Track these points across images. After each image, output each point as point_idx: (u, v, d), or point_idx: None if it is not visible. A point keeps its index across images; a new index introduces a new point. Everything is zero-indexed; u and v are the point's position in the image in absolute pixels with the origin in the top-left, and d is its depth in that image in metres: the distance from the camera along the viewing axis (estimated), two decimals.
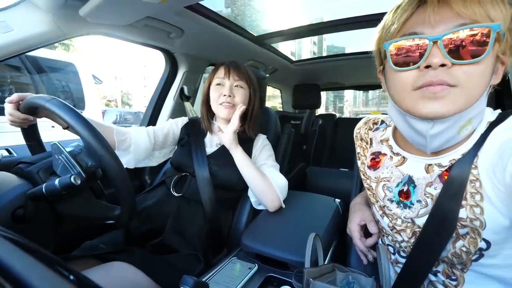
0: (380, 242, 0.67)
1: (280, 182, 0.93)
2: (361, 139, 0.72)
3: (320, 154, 2.46)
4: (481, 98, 0.44)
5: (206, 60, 1.53)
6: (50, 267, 0.21)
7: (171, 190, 0.94)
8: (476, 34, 0.39)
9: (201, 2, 0.99)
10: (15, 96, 0.71)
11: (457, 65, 0.41)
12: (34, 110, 0.70)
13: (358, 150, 0.72)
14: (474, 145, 0.47)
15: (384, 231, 0.63)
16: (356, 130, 0.74)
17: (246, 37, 1.49)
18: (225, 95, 0.95)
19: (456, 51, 0.40)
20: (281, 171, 1.20)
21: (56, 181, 0.53)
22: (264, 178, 0.91)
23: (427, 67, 0.42)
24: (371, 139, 0.69)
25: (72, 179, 0.53)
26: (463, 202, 0.47)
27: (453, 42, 0.40)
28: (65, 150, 0.58)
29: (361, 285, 0.53)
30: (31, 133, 0.73)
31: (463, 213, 0.47)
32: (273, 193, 0.91)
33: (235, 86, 0.98)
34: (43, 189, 0.53)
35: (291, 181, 1.79)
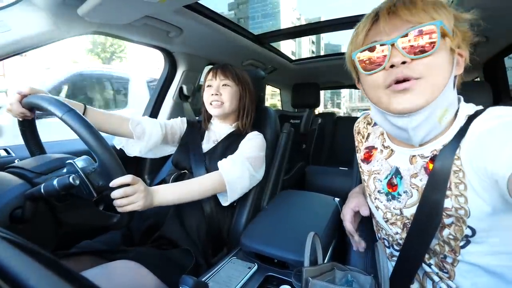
0: (390, 235, 0.68)
1: (231, 176, 0.88)
2: (358, 133, 0.75)
3: (320, 153, 2.46)
4: (447, 87, 0.49)
5: (205, 59, 1.53)
6: (49, 267, 0.21)
7: None
8: (424, 32, 0.46)
9: (200, 2, 1.00)
10: (27, 89, 0.68)
11: (415, 60, 0.47)
12: (37, 109, 0.69)
13: (356, 143, 0.75)
14: (454, 136, 0.51)
15: (379, 224, 0.66)
16: (355, 124, 0.77)
17: (245, 36, 1.49)
18: (212, 94, 1.01)
19: (412, 49, 0.47)
20: (281, 170, 1.21)
21: (55, 181, 0.52)
22: (200, 186, 0.85)
23: (392, 66, 0.48)
24: (368, 134, 0.72)
25: (70, 179, 0.53)
26: (448, 192, 0.50)
27: (407, 42, 0.47)
28: (80, 170, 0.58)
29: (360, 283, 0.54)
30: (27, 121, 0.71)
31: (448, 203, 0.50)
32: (215, 189, 0.87)
33: (222, 85, 1.03)
34: (42, 190, 0.53)
35: (290, 180, 1.80)
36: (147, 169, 1.39)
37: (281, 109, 3.01)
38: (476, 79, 1.95)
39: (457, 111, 0.53)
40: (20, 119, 0.70)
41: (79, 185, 0.57)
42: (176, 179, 0.98)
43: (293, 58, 2.29)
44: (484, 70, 1.69)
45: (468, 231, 0.49)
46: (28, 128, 0.71)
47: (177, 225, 0.87)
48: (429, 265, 0.56)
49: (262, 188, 1.09)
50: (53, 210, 0.59)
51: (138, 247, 0.81)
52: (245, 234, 0.85)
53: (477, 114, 0.50)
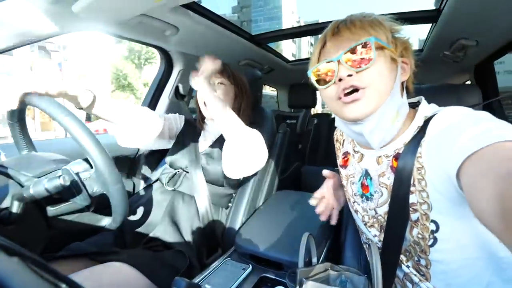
0: (371, 237, 0.68)
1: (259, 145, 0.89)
2: (336, 140, 0.79)
3: (315, 154, 2.46)
4: (392, 92, 0.54)
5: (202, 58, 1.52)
6: (35, 270, 0.21)
7: (165, 185, 0.95)
8: (361, 48, 0.52)
9: (202, 3, 0.99)
10: (44, 89, 0.65)
11: (359, 72, 0.52)
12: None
13: (336, 150, 0.79)
14: (414, 135, 0.55)
15: (360, 229, 0.69)
16: (334, 132, 0.81)
17: (242, 36, 1.48)
18: None
19: (354, 63, 0.52)
20: (277, 170, 1.21)
21: (44, 182, 0.51)
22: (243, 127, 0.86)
23: (340, 80, 0.54)
24: (343, 140, 0.76)
25: (61, 179, 0.52)
26: (412, 188, 0.54)
27: (350, 58, 0.53)
28: (75, 176, 0.57)
29: (354, 283, 0.53)
30: (18, 114, 0.69)
31: (413, 198, 0.54)
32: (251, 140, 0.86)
33: (217, 83, 1.01)
34: (31, 190, 0.52)
35: (286, 180, 1.80)
36: (141, 169, 1.38)
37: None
38: (467, 82, 1.98)
39: (416, 111, 0.58)
40: (10, 111, 0.67)
41: (73, 191, 0.56)
42: (170, 178, 0.98)
43: (293, 59, 2.29)
44: (474, 73, 1.72)
45: (432, 226, 0.52)
46: (18, 121, 0.69)
47: (170, 226, 0.86)
48: (408, 267, 0.59)
49: (258, 188, 1.08)
50: (43, 212, 0.58)
51: (130, 249, 0.80)
52: (240, 235, 0.85)
53: (435, 114, 0.54)
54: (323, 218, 0.75)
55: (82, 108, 0.79)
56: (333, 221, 0.75)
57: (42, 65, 15.56)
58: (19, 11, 0.78)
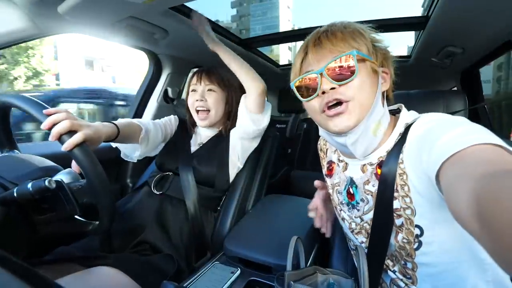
0: (358, 244, 0.69)
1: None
2: (321, 150, 0.80)
3: (305, 158, 2.49)
4: (375, 103, 0.55)
5: (191, 62, 1.52)
6: (18, 275, 0.20)
7: (152, 188, 0.94)
8: (344, 61, 0.53)
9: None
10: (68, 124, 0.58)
11: (342, 85, 0.53)
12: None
13: (321, 160, 0.80)
14: (396, 143, 0.57)
15: (347, 236, 0.70)
16: (318, 142, 0.82)
17: (231, 40, 1.49)
18: (197, 100, 1.00)
19: (337, 76, 0.53)
20: (266, 174, 1.21)
21: (29, 185, 0.50)
22: (249, 67, 0.97)
23: (323, 92, 0.54)
24: (327, 150, 0.76)
25: (46, 182, 0.50)
26: (395, 194, 0.55)
27: (332, 70, 0.53)
28: (66, 187, 0.56)
29: (341, 286, 0.54)
30: (2, 113, 0.67)
31: (397, 204, 0.55)
32: (258, 79, 0.99)
33: (208, 90, 1.02)
34: (15, 193, 0.50)
35: (275, 184, 1.81)
36: (129, 172, 1.36)
37: None
38: (454, 88, 2.06)
39: (398, 119, 0.59)
40: None
41: (63, 201, 0.55)
42: (158, 181, 0.97)
43: (284, 64, 2.31)
44: (460, 79, 1.78)
45: (417, 231, 0.53)
46: (1, 123, 0.67)
47: (158, 229, 0.85)
48: (394, 272, 0.60)
49: (247, 192, 1.09)
50: (28, 216, 0.56)
51: (117, 253, 0.79)
52: (229, 238, 0.85)
53: (415, 120, 0.55)
54: (324, 230, 0.74)
55: (107, 141, 0.81)
56: (328, 234, 0.75)
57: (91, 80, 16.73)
58: (1, 12, 0.76)
